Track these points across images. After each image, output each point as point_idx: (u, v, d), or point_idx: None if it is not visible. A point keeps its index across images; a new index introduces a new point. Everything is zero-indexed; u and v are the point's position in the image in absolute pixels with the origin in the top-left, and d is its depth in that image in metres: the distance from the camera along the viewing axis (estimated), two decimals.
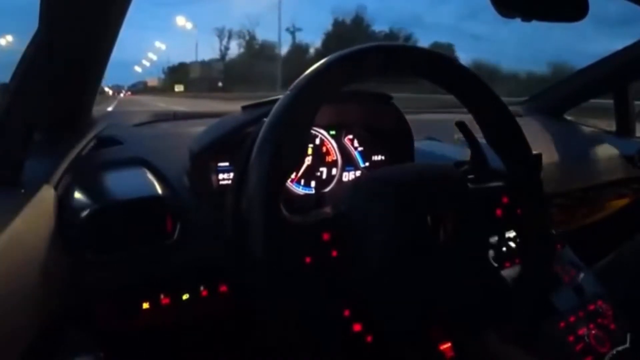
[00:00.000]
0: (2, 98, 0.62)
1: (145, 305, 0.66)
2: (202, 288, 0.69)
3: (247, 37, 50.28)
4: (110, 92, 46.23)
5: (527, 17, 0.67)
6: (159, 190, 0.68)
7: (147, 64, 78.35)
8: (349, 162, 0.84)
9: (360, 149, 0.85)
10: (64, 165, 0.69)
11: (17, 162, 0.62)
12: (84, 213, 0.62)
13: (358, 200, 0.54)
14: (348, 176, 0.84)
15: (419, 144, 0.87)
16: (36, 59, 0.62)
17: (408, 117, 0.82)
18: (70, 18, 0.62)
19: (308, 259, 0.50)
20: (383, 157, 0.86)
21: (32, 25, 0.62)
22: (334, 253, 0.51)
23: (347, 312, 0.52)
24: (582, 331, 0.81)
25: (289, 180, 0.77)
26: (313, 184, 0.80)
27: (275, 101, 0.51)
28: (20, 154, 0.62)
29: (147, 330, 0.70)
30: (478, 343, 0.59)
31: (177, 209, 0.68)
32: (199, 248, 0.68)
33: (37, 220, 0.58)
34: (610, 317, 0.86)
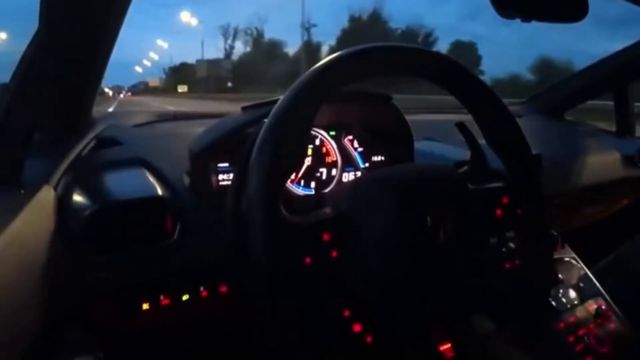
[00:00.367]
0: (2, 98, 0.62)
1: (145, 306, 0.66)
2: (202, 288, 0.69)
3: (255, 35, 47.58)
4: (111, 93, 45.28)
5: (526, 17, 0.67)
6: (159, 191, 0.68)
7: (148, 63, 76.82)
8: (348, 162, 0.84)
9: (360, 149, 0.85)
10: (63, 166, 0.69)
11: (17, 163, 0.62)
12: (84, 213, 0.62)
13: (358, 201, 0.54)
14: (348, 177, 0.84)
15: (419, 145, 0.87)
16: (36, 59, 0.62)
17: (408, 117, 0.82)
18: (70, 18, 0.62)
19: (308, 259, 0.50)
20: (383, 158, 0.86)
21: (32, 25, 0.62)
22: (334, 253, 0.51)
23: (347, 313, 0.52)
24: (582, 331, 0.81)
25: (289, 181, 0.77)
26: (313, 184, 0.80)
27: (275, 102, 0.51)
28: (20, 154, 0.63)
29: (147, 330, 0.70)
30: (478, 343, 0.59)
31: (177, 209, 0.68)
32: (199, 248, 0.68)
33: (37, 220, 0.58)
34: (610, 317, 0.86)
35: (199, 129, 0.78)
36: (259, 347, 0.81)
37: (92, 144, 0.80)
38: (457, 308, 0.57)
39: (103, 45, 0.70)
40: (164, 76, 64.25)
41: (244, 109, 0.76)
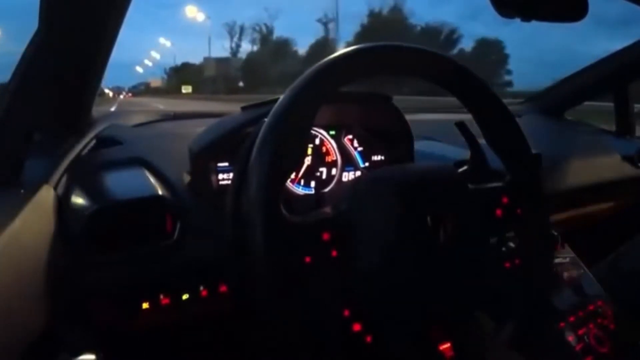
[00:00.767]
0: (2, 98, 0.62)
1: (145, 305, 0.66)
2: (201, 288, 0.69)
3: (265, 32, 43.59)
4: (111, 94, 44.77)
5: (526, 17, 0.67)
6: (159, 191, 0.68)
7: (150, 63, 73.88)
8: (348, 162, 0.84)
9: (360, 149, 0.85)
10: (63, 166, 0.69)
11: (17, 162, 0.62)
12: (84, 213, 0.62)
13: (358, 201, 0.54)
14: (348, 176, 0.84)
15: (419, 145, 0.87)
16: (36, 59, 0.62)
17: (408, 117, 0.83)
18: (70, 18, 0.62)
19: (308, 259, 0.50)
20: (383, 158, 0.86)
21: (32, 25, 0.62)
22: (334, 253, 0.51)
23: (346, 312, 0.52)
24: (582, 331, 0.81)
25: (289, 181, 0.77)
26: (313, 184, 0.80)
27: (275, 101, 0.51)
28: (20, 154, 0.63)
29: (147, 330, 0.70)
30: (478, 343, 0.59)
31: (177, 209, 0.68)
32: (199, 248, 0.68)
33: (36, 220, 0.58)
34: (610, 317, 0.86)
35: (199, 128, 0.78)
36: (259, 347, 0.81)
37: (92, 143, 0.80)
38: (457, 308, 0.56)
39: (103, 45, 0.70)
40: (165, 76, 61.92)
41: (243, 108, 0.76)
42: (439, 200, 0.55)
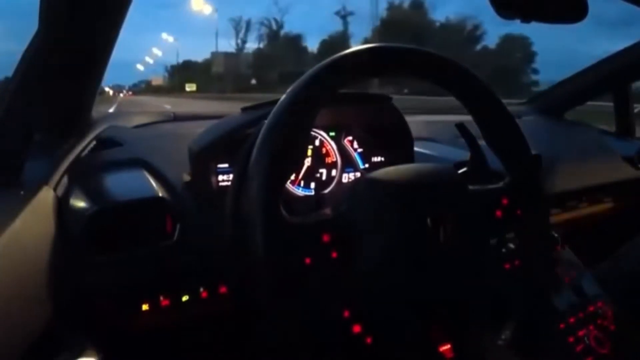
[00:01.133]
0: (2, 98, 0.62)
1: (145, 306, 0.66)
2: (201, 289, 0.69)
3: (274, 27, 40.47)
4: (111, 93, 43.74)
5: (526, 18, 0.67)
6: (159, 192, 0.68)
7: (151, 61, 72.18)
8: (348, 163, 0.83)
9: (359, 150, 0.85)
10: (63, 167, 0.69)
11: (17, 163, 0.62)
12: (84, 214, 0.62)
13: (358, 202, 0.54)
14: (348, 177, 0.84)
15: (419, 146, 0.87)
16: (36, 59, 0.62)
17: (408, 118, 0.82)
18: (70, 18, 0.62)
19: (308, 260, 0.50)
20: (383, 159, 0.86)
21: (32, 25, 0.62)
22: (334, 254, 0.51)
23: (346, 313, 0.52)
24: (582, 332, 0.81)
25: (289, 182, 0.77)
26: (313, 185, 0.80)
27: (275, 102, 0.51)
28: (20, 155, 0.63)
29: (147, 331, 0.70)
30: (477, 344, 0.59)
31: (177, 210, 0.68)
32: (199, 249, 0.68)
33: (36, 221, 0.58)
34: (610, 318, 0.85)
35: (199, 129, 0.78)
36: (259, 348, 0.81)
37: (92, 144, 0.80)
38: (457, 309, 0.56)
39: (103, 46, 0.70)
40: (166, 75, 59.51)
41: (243, 109, 0.76)
42: (439, 201, 0.55)
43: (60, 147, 0.74)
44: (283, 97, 0.50)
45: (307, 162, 0.79)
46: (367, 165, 0.85)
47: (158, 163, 0.75)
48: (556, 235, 0.92)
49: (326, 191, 0.81)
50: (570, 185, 1.19)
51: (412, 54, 0.54)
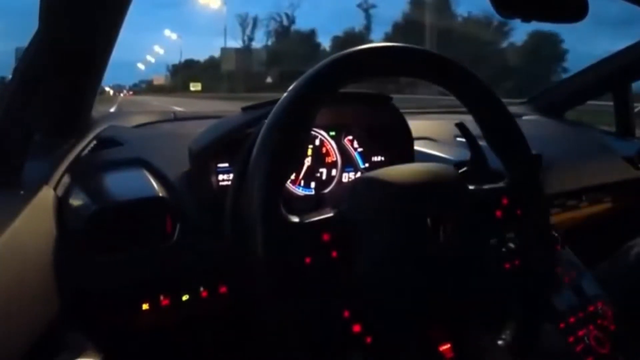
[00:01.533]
0: (2, 98, 0.62)
1: (145, 306, 0.66)
2: (201, 289, 0.69)
3: (286, 22, 36.98)
4: (111, 92, 43.34)
5: (527, 17, 0.67)
6: (159, 191, 0.68)
7: (152, 60, 69.58)
8: (348, 163, 0.84)
9: (359, 149, 0.85)
10: (63, 166, 0.69)
11: (17, 163, 0.62)
12: (84, 214, 0.62)
13: (358, 201, 0.54)
14: (348, 177, 0.84)
15: (419, 145, 0.87)
16: (36, 59, 0.62)
17: (408, 117, 0.82)
18: (70, 18, 0.62)
19: (308, 259, 0.50)
20: (383, 158, 0.86)
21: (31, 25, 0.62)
22: (334, 253, 0.51)
23: (346, 313, 0.52)
24: (582, 332, 0.81)
25: (289, 182, 0.77)
26: (313, 184, 0.80)
27: (275, 102, 0.51)
28: (20, 155, 0.63)
29: (147, 330, 0.70)
30: (477, 344, 0.59)
31: (177, 210, 0.68)
32: (199, 249, 0.68)
33: (36, 221, 0.58)
34: (610, 318, 0.85)
35: (199, 129, 0.78)
36: (259, 348, 0.81)
37: (92, 144, 0.80)
38: (456, 309, 0.56)
39: (103, 45, 0.70)
40: (167, 74, 56.36)
41: (244, 109, 0.76)
42: (439, 201, 0.55)
43: (60, 147, 0.74)
44: (283, 96, 0.50)
45: (307, 161, 0.79)
46: (367, 165, 0.85)
47: (158, 163, 0.75)
48: (556, 235, 0.92)
49: (326, 191, 0.81)
50: (570, 185, 1.19)
51: (412, 53, 0.55)
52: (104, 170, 0.73)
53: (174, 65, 55.33)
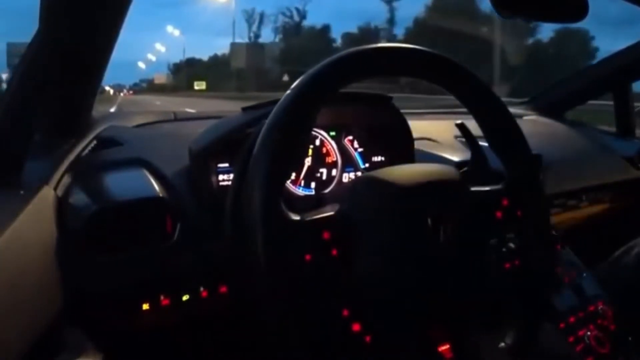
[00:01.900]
0: (2, 98, 0.62)
1: (145, 306, 0.66)
2: (202, 289, 0.69)
3: (297, 17, 34.63)
4: (112, 92, 42.50)
5: (527, 17, 0.67)
6: (159, 191, 0.68)
7: (153, 58, 68.49)
8: (349, 163, 0.84)
9: (360, 150, 0.85)
10: (63, 166, 0.69)
11: (17, 163, 0.62)
12: (84, 214, 0.62)
13: (358, 201, 0.54)
14: (348, 177, 0.84)
15: (419, 145, 0.87)
16: (36, 59, 0.62)
17: (408, 117, 0.82)
18: (70, 18, 0.62)
19: (308, 257, 0.50)
20: (383, 158, 0.86)
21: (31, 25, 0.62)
22: (334, 252, 0.51)
23: (346, 312, 0.52)
24: (582, 332, 0.81)
25: (289, 182, 0.77)
26: (313, 185, 0.80)
27: (275, 102, 0.51)
28: (20, 155, 0.63)
29: (147, 330, 0.70)
30: (477, 344, 0.59)
31: (177, 210, 0.68)
32: (199, 249, 0.68)
33: (36, 221, 0.58)
34: (610, 318, 0.85)
35: (199, 129, 0.78)
36: (259, 347, 0.81)
37: (92, 144, 0.80)
38: (456, 309, 0.56)
39: (103, 45, 0.70)
40: (168, 72, 54.91)
41: (244, 109, 0.76)
42: (439, 201, 0.55)
43: (61, 147, 0.74)
44: (284, 96, 0.50)
45: (308, 161, 0.79)
46: (367, 165, 0.85)
47: (158, 163, 0.75)
48: (556, 235, 0.92)
49: (326, 191, 0.81)
50: (570, 185, 1.19)
51: (413, 53, 0.55)
52: (104, 170, 0.73)
53: (175, 64, 54.16)
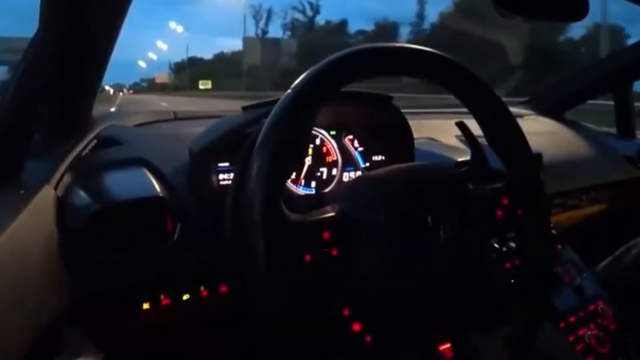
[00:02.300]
0: (3, 98, 0.62)
1: (146, 306, 0.66)
2: (202, 288, 0.69)
3: (310, 12, 32.95)
4: (112, 91, 42.62)
5: (527, 17, 0.67)
6: (159, 191, 0.68)
7: (154, 57, 66.90)
8: (349, 162, 0.84)
9: (360, 149, 0.85)
10: (64, 166, 0.69)
11: (17, 163, 0.62)
12: (84, 214, 0.62)
13: (358, 200, 0.54)
14: (348, 176, 0.84)
15: (419, 144, 0.87)
16: (36, 59, 0.62)
17: (408, 117, 0.83)
18: (70, 18, 0.62)
19: (308, 257, 0.50)
20: (383, 158, 0.86)
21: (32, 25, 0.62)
22: (334, 252, 0.51)
23: (346, 312, 0.52)
24: (583, 331, 0.81)
25: (290, 182, 0.77)
26: (313, 184, 0.80)
27: (276, 101, 0.51)
28: (21, 154, 0.63)
29: (147, 330, 0.70)
30: (477, 344, 0.59)
31: (177, 209, 0.68)
32: (199, 248, 0.68)
33: (36, 220, 0.58)
34: (610, 317, 0.86)
35: (199, 129, 0.78)
36: (259, 347, 0.81)
37: (92, 144, 0.80)
38: (457, 308, 0.57)
39: (104, 45, 0.70)
40: (169, 72, 53.31)
41: (244, 108, 0.76)
42: (440, 200, 0.55)
43: (61, 146, 0.74)
44: (284, 95, 0.50)
45: (308, 161, 0.79)
46: (367, 164, 0.85)
47: (158, 162, 0.75)
48: (556, 234, 0.92)
49: (327, 190, 0.81)
50: (570, 185, 1.19)
51: (413, 53, 0.55)
52: (104, 170, 0.73)
53: (176, 63, 52.73)
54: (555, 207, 1.17)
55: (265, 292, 0.48)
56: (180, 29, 60.32)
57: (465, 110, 0.60)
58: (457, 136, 1.07)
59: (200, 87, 33.01)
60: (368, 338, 0.52)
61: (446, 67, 0.56)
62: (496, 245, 0.71)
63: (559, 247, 0.94)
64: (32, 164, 0.64)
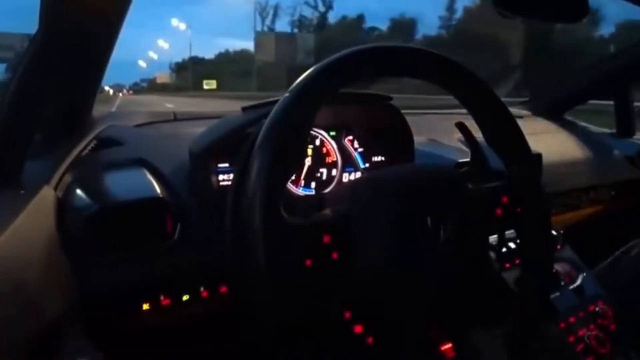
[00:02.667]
0: (3, 98, 0.62)
1: (145, 306, 0.66)
2: (202, 289, 0.69)
3: (322, 8, 32.20)
4: (111, 91, 42.10)
5: (527, 17, 0.67)
6: (159, 191, 0.68)
7: (155, 56, 65.76)
8: (349, 163, 0.84)
9: (360, 149, 0.85)
10: (64, 166, 0.69)
11: (17, 163, 0.62)
12: (84, 214, 0.62)
13: (358, 202, 0.54)
14: (348, 177, 0.84)
15: (419, 145, 0.87)
16: (36, 58, 0.62)
17: (408, 117, 0.83)
18: (70, 18, 0.62)
19: (308, 261, 0.50)
20: (383, 158, 0.86)
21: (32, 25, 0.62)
22: (335, 255, 0.51)
23: (347, 314, 0.52)
24: (583, 332, 0.81)
25: (290, 182, 0.77)
26: (313, 185, 0.80)
27: (275, 102, 0.51)
28: (20, 154, 0.63)
29: (147, 330, 0.70)
30: (478, 344, 0.59)
31: (177, 210, 0.68)
32: (199, 249, 0.68)
33: (37, 221, 0.58)
34: (610, 318, 0.85)
35: (199, 129, 0.78)
36: (259, 348, 0.81)
37: (92, 144, 0.80)
38: (457, 308, 0.57)
39: (104, 45, 0.70)
40: (170, 72, 52.56)
41: (244, 109, 0.76)
42: (439, 200, 0.55)
43: (61, 146, 0.74)
44: (283, 96, 0.50)
45: (308, 161, 0.79)
46: (367, 165, 0.85)
47: (158, 163, 0.75)
48: (556, 234, 0.92)
49: (327, 191, 0.81)
50: (570, 185, 1.19)
51: (412, 53, 0.55)
52: (104, 170, 0.73)
53: (177, 63, 51.76)
54: (555, 207, 1.17)
55: (265, 294, 0.48)
56: (182, 26, 57.84)
57: (465, 110, 0.60)
58: (456, 136, 1.07)
59: (205, 87, 32.31)
60: (370, 340, 0.52)
61: (445, 67, 0.56)
62: (496, 245, 0.71)
63: (559, 247, 0.94)
64: (32, 164, 0.64)
